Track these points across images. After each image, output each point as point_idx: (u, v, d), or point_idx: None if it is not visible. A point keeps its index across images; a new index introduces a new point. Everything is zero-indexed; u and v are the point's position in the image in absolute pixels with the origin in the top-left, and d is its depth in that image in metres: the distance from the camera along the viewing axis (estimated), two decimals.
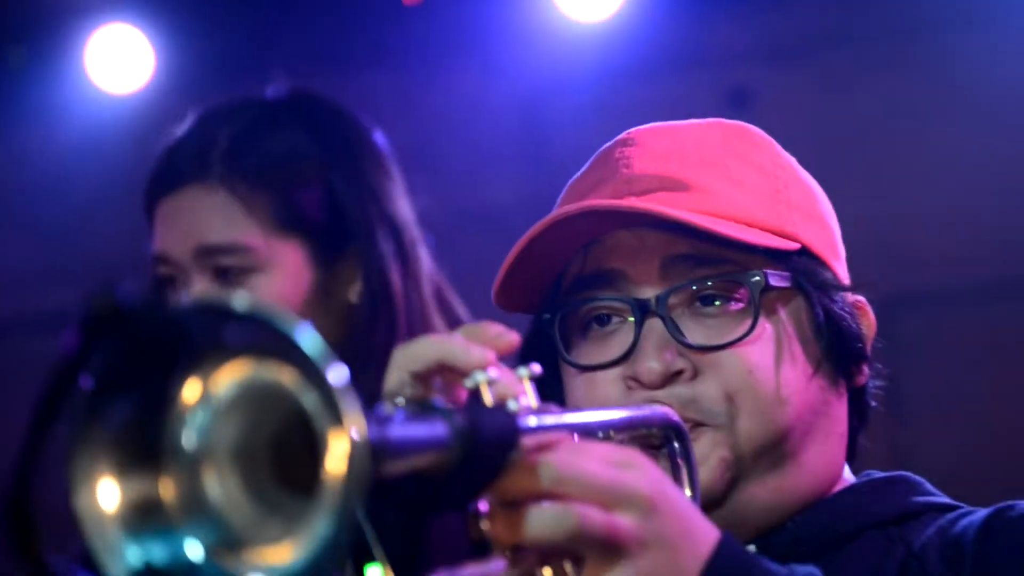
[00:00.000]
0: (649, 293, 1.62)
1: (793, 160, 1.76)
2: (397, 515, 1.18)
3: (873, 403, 1.76)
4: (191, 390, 1.03)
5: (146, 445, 1.03)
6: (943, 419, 4.27)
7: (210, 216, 2.19)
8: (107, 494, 1.01)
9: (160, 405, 1.03)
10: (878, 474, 1.72)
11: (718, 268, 1.62)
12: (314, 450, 0.99)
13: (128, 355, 1.00)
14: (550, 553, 1.23)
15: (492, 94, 4.45)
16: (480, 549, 1.23)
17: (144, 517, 1.02)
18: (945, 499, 1.68)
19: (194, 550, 1.02)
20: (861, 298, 1.73)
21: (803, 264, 1.65)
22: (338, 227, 2.27)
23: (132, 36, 4.38)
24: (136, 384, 1.02)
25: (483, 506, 1.22)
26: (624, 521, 1.22)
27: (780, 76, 4.37)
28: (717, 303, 1.62)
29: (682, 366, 1.59)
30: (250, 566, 1.01)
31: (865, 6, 4.38)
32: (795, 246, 1.65)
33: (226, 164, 2.21)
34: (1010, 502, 1.56)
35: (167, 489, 1.03)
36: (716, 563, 1.25)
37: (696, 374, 1.60)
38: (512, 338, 1.31)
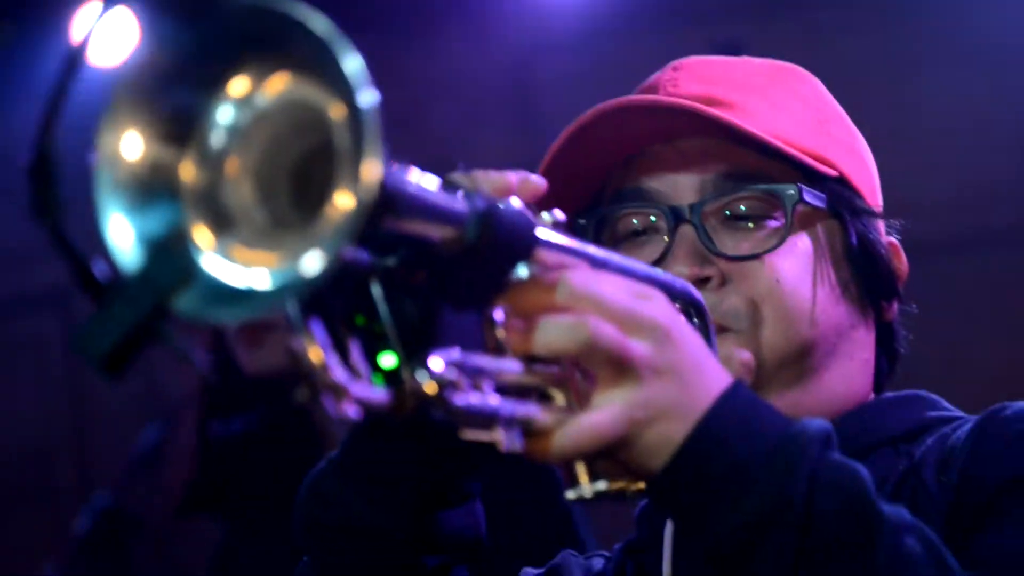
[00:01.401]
0: (685, 204, 1.61)
1: (838, 105, 1.74)
2: (412, 304, 1.15)
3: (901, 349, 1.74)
4: (240, 85, 1.02)
5: (182, 121, 1.02)
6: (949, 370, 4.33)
7: None
8: (131, 145, 1.01)
9: (207, 88, 1.03)
10: (893, 393, 1.71)
11: (754, 182, 1.61)
12: (330, 180, 0.98)
13: (195, 31, 1.01)
14: (560, 369, 1.21)
15: (483, 57, 4.46)
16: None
17: (155, 182, 1.02)
18: (958, 412, 1.65)
19: (200, 231, 1.01)
20: (894, 239, 1.72)
21: (840, 190, 1.64)
22: None
23: (119, 11, 4.39)
24: (192, 61, 1.02)
25: (499, 315, 1.19)
26: (638, 345, 1.19)
27: (766, 30, 4.40)
28: (753, 219, 1.61)
29: (710, 273, 1.58)
30: (234, 260, 1.00)
31: None
32: (833, 172, 1.64)
33: None
34: (1004, 403, 1.54)
35: (187, 170, 1.02)
36: (727, 401, 1.22)
37: (724, 283, 1.58)
38: (539, 182, 1.30)
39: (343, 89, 0.96)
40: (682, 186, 1.61)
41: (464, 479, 1.45)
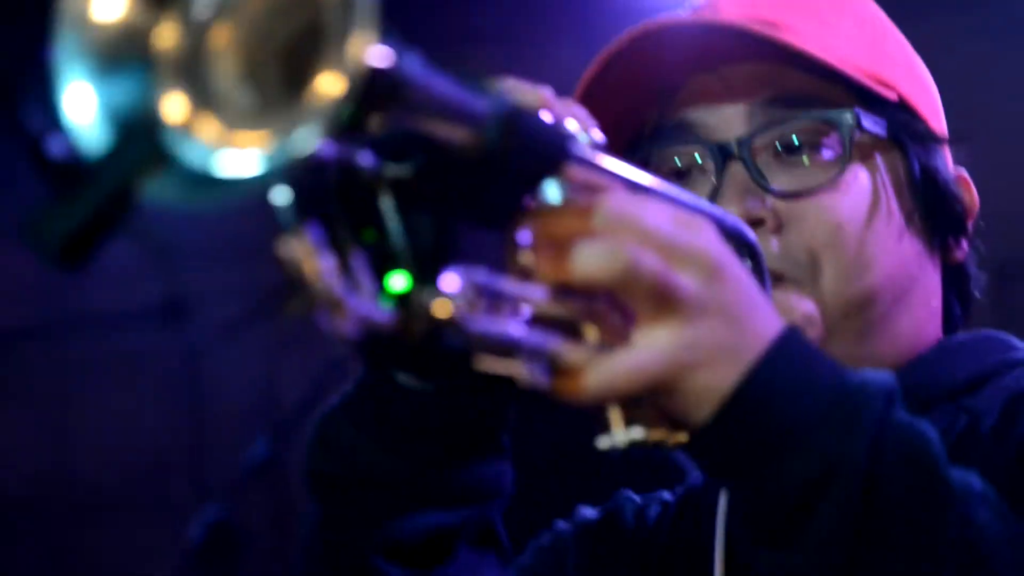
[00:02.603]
0: (732, 138, 1.48)
1: (894, 26, 1.60)
2: (427, 219, 1.03)
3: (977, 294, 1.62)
4: None
5: None
6: None
7: None
8: (104, 4, 0.91)
9: None
10: (959, 336, 1.57)
11: (807, 109, 1.48)
12: (317, 59, 0.87)
13: None
14: (594, 302, 1.07)
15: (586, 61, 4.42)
16: None
17: (129, 48, 0.92)
18: None
19: (174, 105, 0.91)
20: (963, 172, 1.59)
21: (900, 116, 1.51)
22: None
23: None
24: None
25: (525, 238, 1.06)
26: (684, 278, 1.05)
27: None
28: (807, 149, 1.48)
29: (764, 215, 1.46)
30: (211, 141, 0.90)
31: None
32: (893, 96, 1.51)
33: None
34: None
35: (166, 37, 0.93)
36: (781, 347, 1.09)
37: (780, 226, 1.47)
38: (580, 111, 1.19)
39: None
40: (728, 117, 1.49)
41: (493, 427, 1.34)
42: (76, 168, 0.86)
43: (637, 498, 1.64)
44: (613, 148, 1.51)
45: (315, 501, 1.37)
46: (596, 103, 1.43)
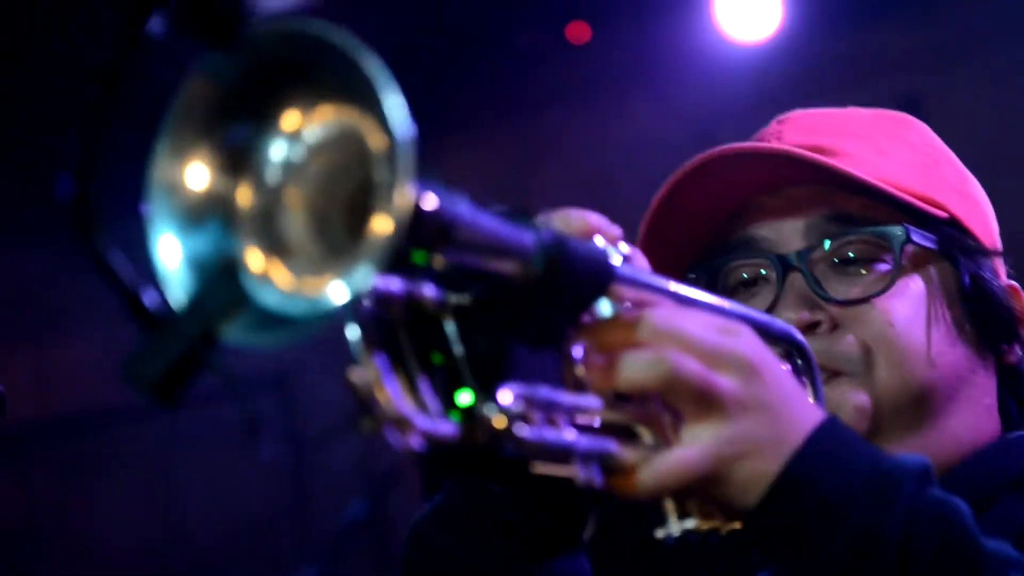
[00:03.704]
0: (792, 251, 1.58)
1: (949, 150, 1.70)
2: (487, 342, 1.13)
3: None
4: (291, 119, 1.03)
5: (238, 155, 1.03)
6: None
7: None
8: (191, 174, 1.02)
9: (259, 121, 1.03)
10: (1018, 433, 1.63)
11: (861, 226, 1.57)
12: (371, 208, 0.98)
13: (251, 66, 1.01)
14: (646, 406, 1.17)
15: (667, 121, 4.47)
16: None
17: (211, 211, 1.02)
18: None
19: (252, 257, 1.02)
20: (1015, 283, 1.66)
21: (950, 231, 1.60)
22: None
23: None
24: (239, 93, 1.02)
25: (578, 352, 1.16)
26: (724, 380, 1.14)
27: (946, 79, 4.30)
28: (861, 264, 1.57)
29: (819, 318, 1.54)
30: (285, 288, 1.01)
31: (1018, 6, 4.28)
32: (943, 214, 1.60)
33: None
34: None
35: (243, 198, 1.03)
36: (820, 436, 1.16)
37: (835, 327, 1.54)
38: (616, 230, 1.25)
39: (382, 120, 0.97)
40: (788, 232, 1.59)
41: (569, 527, 1.41)
42: (168, 316, 0.97)
43: None
44: (686, 264, 1.62)
45: None
46: (670, 222, 1.55)
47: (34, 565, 5.72)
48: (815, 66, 4.29)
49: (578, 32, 4.53)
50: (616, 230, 1.26)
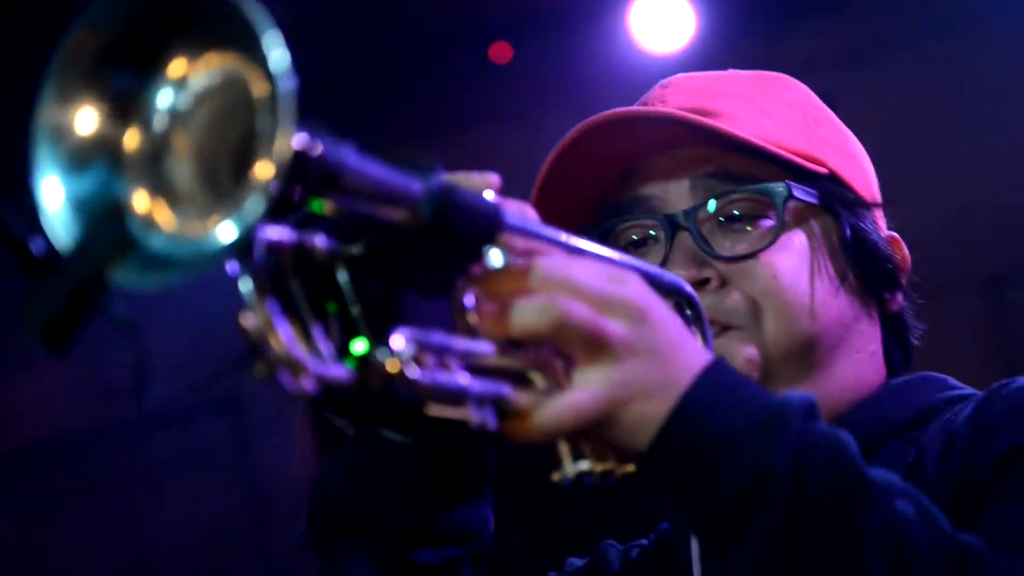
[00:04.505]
0: (679, 210, 1.58)
1: (828, 109, 1.71)
2: (379, 289, 1.12)
3: (915, 341, 1.69)
4: (177, 67, 1.03)
5: (126, 101, 1.02)
6: None
7: None
8: (80, 119, 1.01)
9: (147, 68, 1.03)
10: (900, 378, 1.64)
11: (745, 184, 1.58)
12: (254, 153, 0.97)
13: (136, 13, 1.00)
14: (538, 352, 1.16)
15: None
16: None
17: (98, 154, 1.02)
18: (967, 390, 1.58)
19: (139, 199, 1.01)
20: (895, 234, 1.68)
21: (831, 186, 1.61)
22: None
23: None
24: (131, 44, 1.02)
25: (469, 300, 1.16)
26: (613, 324, 1.14)
27: (857, 79, 4.34)
28: (747, 220, 1.57)
29: (708, 275, 1.55)
30: (171, 230, 1.00)
31: (924, 6, 4.34)
32: (823, 170, 1.61)
33: None
34: (1007, 379, 1.46)
35: (130, 142, 1.03)
36: (707, 378, 1.17)
37: (723, 284, 1.55)
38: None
39: (265, 68, 0.97)
40: (675, 192, 1.59)
41: (469, 477, 1.41)
42: (55, 260, 0.96)
43: (619, 545, 1.71)
44: (580, 224, 1.61)
45: (316, 557, 1.43)
46: (561, 186, 1.55)
47: None
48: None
49: (500, 52, 4.55)
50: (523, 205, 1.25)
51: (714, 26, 4.38)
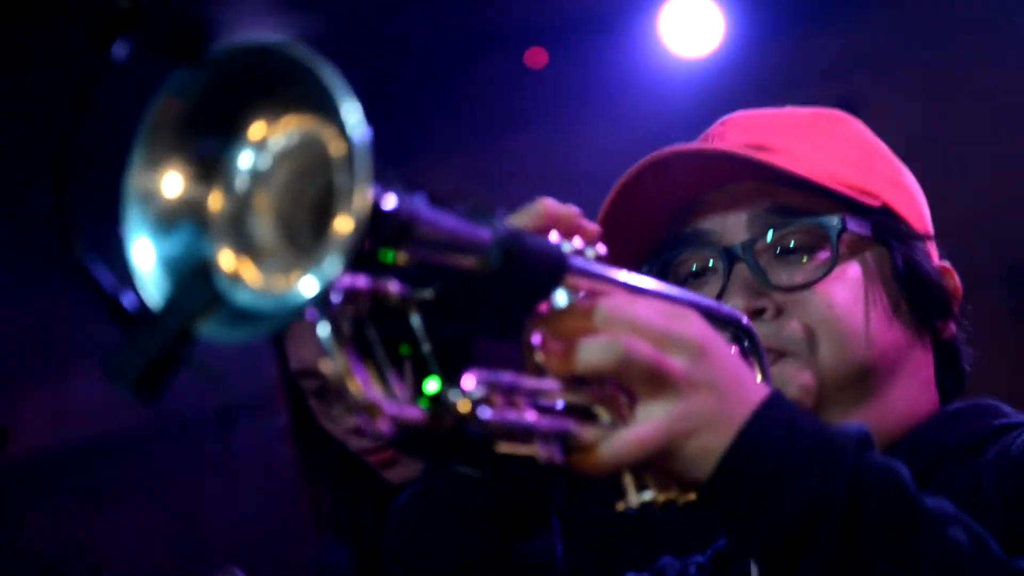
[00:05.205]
0: (737, 243, 1.60)
1: (882, 143, 1.72)
2: (451, 333, 1.14)
3: (967, 367, 1.69)
4: (257, 129, 1.05)
5: (208, 161, 1.04)
6: None
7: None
8: (165, 183, 1.03)
9: (229, 132, 1.04)
10: (956, 404, 1.64)
11: (800, 217, 1.59)
12: (333, 210, 0.99)
13: (218, 81, 1.02)
14: (602, 388, 1.18)
15: (621, 138, 4.48)
16: None
17: (184, 216, 1.03)
18: (1022, 418, 1.57)
19: (224, 258, 1.03)
20: (947, 263, 1.68)
21: (884, 219, 1.62)
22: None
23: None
24: (213, 109, 1.03)
25: (536, 340, 1.17)
26: (673, 360, 1.15)
27: (884, 79, 4.32)
28: (802, 252, 1.58)
29: (764, 305, 1.56)
30: (255, 286, 1.02)
31: (949, 7, 4.32)
32: (877, 203, 1.62)
33: None
34: None
35: (215, 202, 1.04)
36: (765, 410, 1.18)
37: (779, 313, 1.56)
38: (592, 225, 1.28)
39: (341, 128, 0.98)
40: (733, 225, 1.61)
41: (539, 508, 1.41)
42: (146, 315, 0.97)
43: (677, 562, 1.71)
44: (642, 255, 1.63)
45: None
46: (623, 218, 1.57)
47: None
48: (757, 75, 4.30)
49: (536, 58, 4.54)
50: (592, 226, 1.27)
51: (742, 30, 4.37)
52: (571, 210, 1.27)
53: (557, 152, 4.58)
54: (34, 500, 5.73)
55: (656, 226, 1.65)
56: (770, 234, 1.59)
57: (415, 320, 1.14)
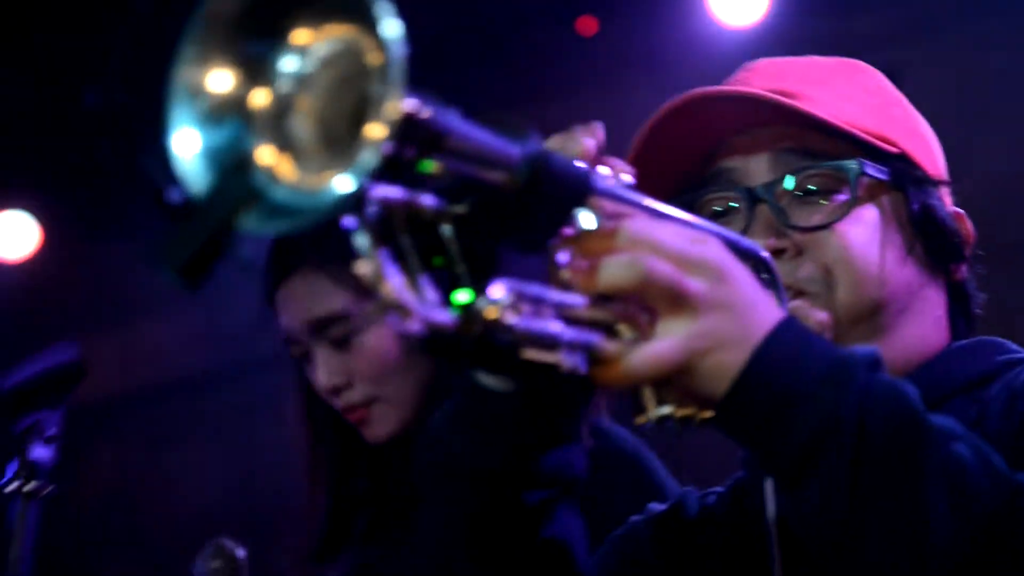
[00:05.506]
0: (759, 184, 1.59)
1: (900, 93, 1.72)
2: (481, 245, 1.14)
3: (978, 311, 1.69)
4: (302, 36, 1.06)
5: (255, 61, 1.05)
6: None
7: (312, 295, 2.27)
8: (214, 79, 1.05)
9: (275, 36, 1.05)
10: (962, 342, 1.64)
11: (821, 160, 1.59)
12: (367, 116, 1.00)
13: None
14: (625, 306, 1.19)
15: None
16: None
17: (229, 112, 1.05)
18: None
19: (264, 153, 1.04)
20: (960, 210, 1.68)
21: (901, 165, 1.62)
22: None
23: None
24: (261, 13, 1.04)
25: (562, 258, 1.18)
26: (693, 281, 1.17)
27: (925, 51, 4.26)
28: (822, 195, 1.58)
29: (785, 245, 1.56)
30: (292, 182, 1.03)
31: None
32: (894, 150, 1.62)
33: (315, 251, 2.27)
34: None
35: (258, 100, 1.05)
36: (779, 332, 1.19)
37: (798, 253, 1.56)
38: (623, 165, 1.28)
39: (379, 40, 1.00)
40: (755, 166, 1.60)
41: (562, 423, 1.42)
42: (188, 207, 0.99)
43: (697, 491, 1.72)
44: (667, 196, 1.63)
45: (425, 490, 1.47)
46: (651, 159, 1.56)
47: (130, 524, 5.79)
48: (801, 44, 4.25)
49: (586, 25, 4.52)
50: (618, 161, 1.28)
51: (786, 0, 4.33)
52: (601, 139, 1.28)
53: (604, 118, 4.53)
54: (103, 438, 5.82)
55: (682, 167, 1.65)
56: (791, 177, 1.59)
57: (447, 232, 1.15)
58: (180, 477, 5.73)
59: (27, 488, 2.16)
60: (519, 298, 1.12)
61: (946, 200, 1.67)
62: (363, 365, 2.24)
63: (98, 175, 4.87)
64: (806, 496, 1.19)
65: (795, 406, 1.18)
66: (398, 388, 2.24)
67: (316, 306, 2.26)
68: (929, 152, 1.67)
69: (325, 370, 2.27)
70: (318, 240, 2.23)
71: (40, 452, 2.18)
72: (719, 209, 1.62)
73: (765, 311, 1.21)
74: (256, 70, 1.06)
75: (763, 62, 1.70)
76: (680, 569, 1.60)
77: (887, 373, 1.22)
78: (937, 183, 1.65)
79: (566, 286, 1.18)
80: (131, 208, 4.82)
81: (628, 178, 1.27)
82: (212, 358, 5.60)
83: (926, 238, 1.61)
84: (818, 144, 1.59)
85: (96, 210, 5.24)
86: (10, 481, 2.16)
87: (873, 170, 1.59)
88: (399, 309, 1.06)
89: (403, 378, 2.24)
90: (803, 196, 1.59)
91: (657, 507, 1.68)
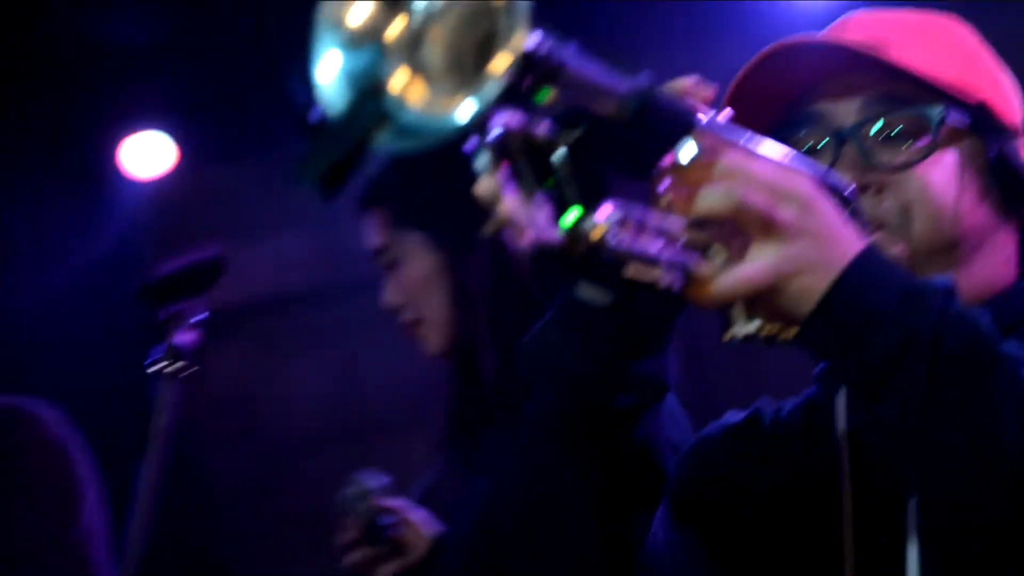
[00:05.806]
0: (846, 125, 1.63)
1: (984, 46, 1.74)
2: (592, 169, 1.21)
3: None
4: None
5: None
6: None
7: (372, 228, 2.64)
8: (358, 9, 1.12)
9: None
10: None
11: (906, 107, 1.62)
12: (494, 48, 1.07)
13: None
14: (720, 230, 1.25)
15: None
16: None
17: (368, 41, 1.11)
18: None
19: (398, 77, 1.10)
20: None
21: (982, 115, 1.65)
22: (445, 217, 2.54)
23: None
24: None
25: (664, 186, 1.25)
26: (784, 210, 1.23)
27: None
28: (905, 138, 1.62)
29: (869, 181, 1.60)
30: (422, 105, 1.09)
31: None
32: (975, 100, 1.65)
33: (374, 193, 2.61)
34: None
35: (395, 29, 1.11)
36: (862, 259, 1.26)
37: (880, 190, 1.60)
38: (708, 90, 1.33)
39: None
40: (843, 110, 1.64)
41: (655, 334, 1.46)
42: (327, 125, 1.06)
43: (773, 403, 1.77)
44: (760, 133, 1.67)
45: (528, 383, 1.53)
46: (745, 102, 1.61)
47: (247, 422, 5.95)
48: None
49: None
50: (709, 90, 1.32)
51: None
52: (706, 89, 1.33)
53: (697, 69, 4.52)
54: (225, 344, 5.98)
55: (775, 110, 1.70)
56: (879, 120, 1.63)
57: (560, 157, 1.21)
58: (294, 384, 5.88)
59: (170, 369, 2.30)
60: (624, 219, 1.19)
61: (1022, 150, 1.69)
62: (400, 290, 2.57)
63: (231, 98, 4.98)
64: (882, 409, 1.25)
65: (875, 325, 1.24)
66: (432, 310, 2.53)
67: (371, 238, 2.64)
68: (1009, 103, 1.70)
69: (386, 291, 2.61)
70: (380, 185, 2.60)
71: (183, 337, 2.33)
72: (807, 149, 1.66)
73: (848, 240, 1.28)
74: (394, 4, 1.12)
75: (857, 14, 1.74)
76: (753, 479, 1.66)
77: (960, 301, 1.28)
78: (1016, 133, 1.68)
79: (666, 211, 1.24)
80: (261, 130, 4.94)
81: (724, 115, 1.31)
82: (329, 275, 5.72)
83: (1002, 183, 1.65)
84: (904, 92, 1.63)
85: (227, 129, 5.35)
86: (155, 362, 2.30)
87: (954, 117, 1.62)
88: (514, 226, 1.12)
89: (437, 301, 2.52)
90: (887, 140, 1.62)
91: (734, 416, 1.73)
